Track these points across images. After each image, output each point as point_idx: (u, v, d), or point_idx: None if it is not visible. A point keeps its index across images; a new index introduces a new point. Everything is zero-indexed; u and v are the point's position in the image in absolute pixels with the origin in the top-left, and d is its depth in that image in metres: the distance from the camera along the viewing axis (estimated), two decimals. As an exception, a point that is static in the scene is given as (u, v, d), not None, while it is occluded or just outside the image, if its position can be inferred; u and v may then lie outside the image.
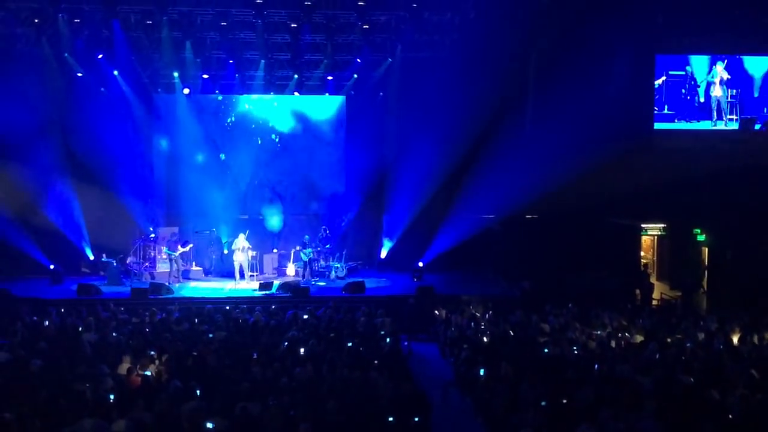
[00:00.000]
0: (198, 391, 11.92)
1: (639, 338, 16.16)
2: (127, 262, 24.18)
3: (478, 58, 24.18)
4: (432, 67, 25.31)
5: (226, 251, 25.04)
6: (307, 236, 24.77)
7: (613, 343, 15.82)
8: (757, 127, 24.08)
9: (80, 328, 16.44)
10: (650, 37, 23.53)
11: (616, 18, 21.61)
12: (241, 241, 23.65)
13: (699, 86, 24.27)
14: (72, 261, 24.92)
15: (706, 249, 23.70)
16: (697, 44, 23.89)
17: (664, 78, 24.14)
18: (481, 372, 13.69)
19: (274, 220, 26.46)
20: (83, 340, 15.38)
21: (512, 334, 16.75)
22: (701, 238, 23.77)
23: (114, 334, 16.01)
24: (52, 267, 23.71)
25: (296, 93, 26.58)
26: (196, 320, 17.42)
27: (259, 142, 26.88)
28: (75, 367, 13.28)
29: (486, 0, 22.65)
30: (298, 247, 24.69)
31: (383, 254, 26.86)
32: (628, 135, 22.64)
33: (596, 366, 13.80)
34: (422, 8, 22.63)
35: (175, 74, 25.41)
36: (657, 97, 24.20)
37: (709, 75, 24.33)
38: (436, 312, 20.00)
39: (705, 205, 22.97)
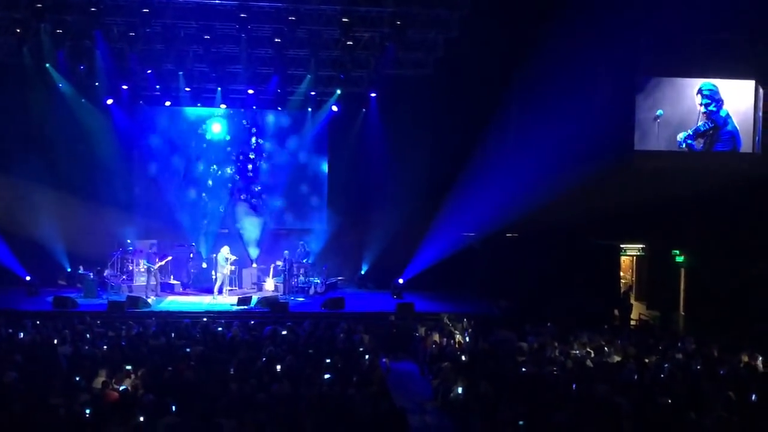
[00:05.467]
0: (174, 407, 11.77)
1: (617, 358, 16.17)
2: (105, 274, 23.98)
3: (462, 77, 24.39)
4: (415, 84, 25.35)
5: (205, 265, 24.96)
6: (286, 251, 24.72)
7: (590, 363, 15.82)
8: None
9: (56, 341, 16.23)
10: (632, 58, 23.70)
11: (598, 39, 21.75)
12: (227, 253, 23.53)
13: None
14: (49, 272, 24.62)
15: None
16: (679, 67, 24.06)
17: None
18: (460, 390, 13.63)
19: (254, 235, 26.32)
20: (59, 354, 15.21)
21: (491, 352, 16.70)
22: (680, 259, 23.88)
23: (89, 347, 15.83)
24: (28, 278, 23.47)
25: (279, 108, 26.56)
26: (173, 334, 17.23)
27: (240, 156, 26.79)
28: (50, 381, 13.10)
29: (470, 19, 22.75)
30: (278, 262, 24.64)
31: (363, 270, 26.84)
32: (608, 155, 22.76)
33: (574, 386, 13.77)
34: (406, 26, 22.63)
35: (157, 86, 25.31)
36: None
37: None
38: (416, 330, 19.92)
39: (684, 226, 23.09)
